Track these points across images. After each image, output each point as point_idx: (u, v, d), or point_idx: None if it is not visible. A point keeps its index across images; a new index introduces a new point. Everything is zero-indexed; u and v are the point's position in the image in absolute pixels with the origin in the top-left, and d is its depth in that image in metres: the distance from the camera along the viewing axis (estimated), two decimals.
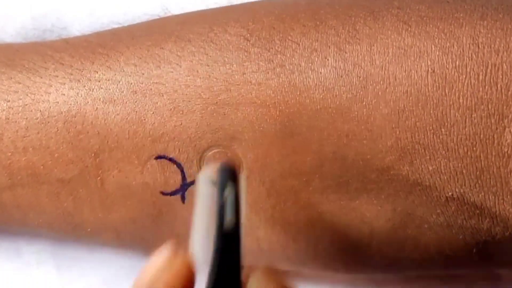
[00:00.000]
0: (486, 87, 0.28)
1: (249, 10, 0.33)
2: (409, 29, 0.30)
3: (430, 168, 0.30)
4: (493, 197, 0.30)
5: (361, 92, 0.30)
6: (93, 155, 0.33)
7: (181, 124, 0.32)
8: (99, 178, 0.34)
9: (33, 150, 0.34)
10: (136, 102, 0.32)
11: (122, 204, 0.34)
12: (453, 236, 0.32)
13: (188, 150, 0.32)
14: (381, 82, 0.29)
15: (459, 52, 0.29)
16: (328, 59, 0.30)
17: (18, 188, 0.35)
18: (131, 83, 0.32)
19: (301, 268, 0.37)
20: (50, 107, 0.33)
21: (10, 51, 0.36)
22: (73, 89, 0.33)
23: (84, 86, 0.33)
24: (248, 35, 0.32)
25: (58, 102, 0.33)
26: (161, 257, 0.27)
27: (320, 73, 0.30)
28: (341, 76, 0.30)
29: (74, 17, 0.40)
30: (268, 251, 0.35)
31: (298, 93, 0.30)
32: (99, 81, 0.33)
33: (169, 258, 0.27)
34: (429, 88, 0.29)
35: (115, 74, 0.33)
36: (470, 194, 0.30)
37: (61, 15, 0.40)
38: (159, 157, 0.32)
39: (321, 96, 0.30)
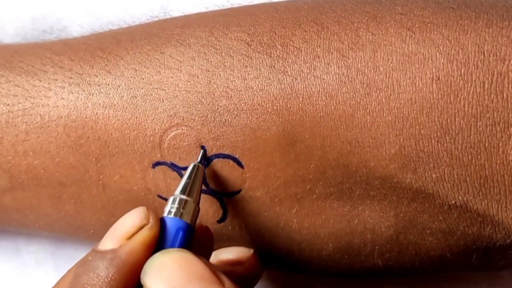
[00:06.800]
0: (492, 95, 0.28)
1: (250, 14, 0.32)
2: (413, 35, 0.29)
3: (434, 175, 0.29)
4: (496, 204, 0.30)
5: (365, 99, 0.29)
6: (94, 160, 0.33)
7: (182, 130, 0.31)
8: (100, 182, 0.33)
9: (34, 154, 0.33)
10: (136, 107, 0.32)
11: (125, 208, 0.34)
12: (454, 242, 0.32)
13: (188, 157, 0.32)
14: (385, 89, 0.29)
15: (464, 60, 0.28)
16: (331, 66, 0.30)
17: (19, 191, 0.35)
18: (131, 88, 0.32)
19: (304, 272, 0.36)
20: (50, 111, 0.33)
21: (8, 53, 0.35)
22: (72, 93, 0.33)
23: (84, 91, 0.33)
24: (249, 40, 0.31)
25: (57, 106, 0.33)
26: (133, 218, 0.29)
27: (323, 79, 0.30)
28: (344, 83, 0.29)
29: (73, 17, 0.39)
30: (272, 257, 0.34)
31: (300, 100, 0.30)
32: (99, 86, 0.32)
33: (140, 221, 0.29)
34: (434, 95, 0.29)
35: (115, 79, 0.32)
36: (473, 202, 0.30)
37: (61, 16, 0.40)
38: (159, 163, 0.32)
39: (324, 103, 0.30)
